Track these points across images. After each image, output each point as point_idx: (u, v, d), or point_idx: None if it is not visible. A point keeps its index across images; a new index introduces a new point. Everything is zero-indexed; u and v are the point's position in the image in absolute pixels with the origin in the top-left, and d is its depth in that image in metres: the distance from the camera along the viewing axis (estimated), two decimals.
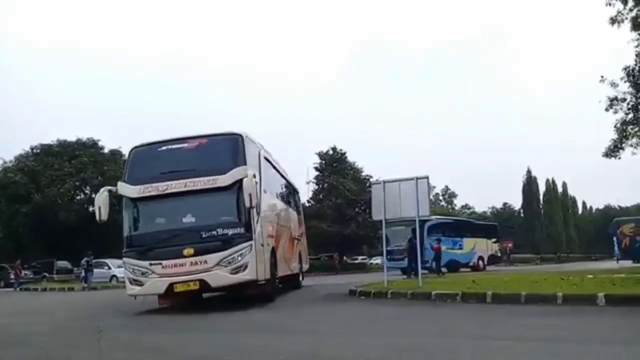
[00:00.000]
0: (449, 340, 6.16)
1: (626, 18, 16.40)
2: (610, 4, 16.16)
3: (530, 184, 75.88)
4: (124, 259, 10.91)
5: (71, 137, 46.02)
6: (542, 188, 76.70)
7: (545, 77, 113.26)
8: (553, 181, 77.02)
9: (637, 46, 17.10)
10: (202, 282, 10.25)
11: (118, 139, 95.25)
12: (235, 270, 10.30)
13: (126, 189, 11.08)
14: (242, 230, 10.55)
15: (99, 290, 24.57)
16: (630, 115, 18.14)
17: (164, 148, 11.27)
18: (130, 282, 10.75)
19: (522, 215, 78.17)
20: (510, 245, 52.89)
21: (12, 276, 29.99)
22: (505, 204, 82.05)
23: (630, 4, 16.19)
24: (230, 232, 10.50)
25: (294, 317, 9.83)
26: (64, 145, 45.42)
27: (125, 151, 47.46)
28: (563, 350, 5.29)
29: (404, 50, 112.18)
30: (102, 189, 11.25)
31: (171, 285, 10.27)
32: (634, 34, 16.83)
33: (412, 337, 6.54)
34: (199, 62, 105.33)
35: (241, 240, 10.45)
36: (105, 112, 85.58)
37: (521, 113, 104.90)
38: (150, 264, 10.39)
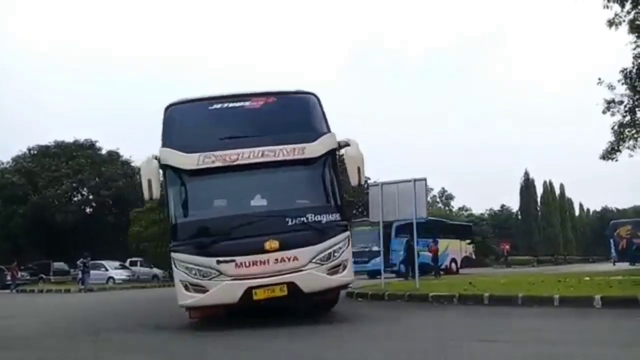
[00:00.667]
0: (447, 343, 6.16)
1: (623, 20, 16.43)
2: (607, 7, 16.19)
3: (527, 185, 75.97)
4: (174, 255, 7.83)
5: (69, 138, 46.08)
6: (539, 190, 76.90)
7: (544, 79, 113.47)
8: (550, 183, 77.17)
9: (634, 49, 17.16)
10: (292, 286, 7.64)
11: (116, 139, 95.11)
12: (333, 270, 7.91)
13: (178, 158, 8.00)
14: (337, 216, 8.17)
15: (95, 292, 24.51)
16: (628, 118, 18.18)
17: (217, 106, 8.63)
18: (186, 288, 7.68)
19: (519, 217, 78.29)
20: (507, 247, 52.92)
21: (8, 278, 29.87)
22: (502, 205, 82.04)
23: (628, 6, 16.23)
24: (324, 218, 8.03)
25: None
26: (61, 146, 45.46)
27: (124, 152, 48.03)
28: (561, 352, 5.31)
29: (404, 50, 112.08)
30: (148, 157, 8.15)
31: (249, 290, 7.54)
32: (631, 37, 16.88)
33: (411, 341, 6.53)
34: (199, 62, 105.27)
35: (338, 231, 8.08)
36: (103, 113, 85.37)
37: (520, 114, 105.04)
38: (218, 262, 7.54)
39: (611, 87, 17.83)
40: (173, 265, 7.88)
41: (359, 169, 8.27)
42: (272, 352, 6.12)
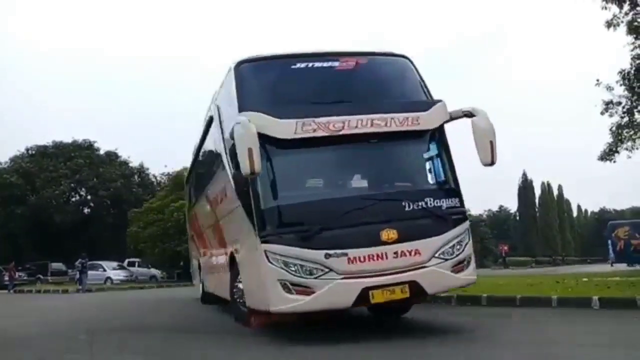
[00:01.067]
0: (444, 344, 6.15)
1: (622, 22, 16.50)
2: (605, 8, 16.24)
3: (526, 187, 76.07)
4: (267, 246, 6.15)
5: (67, 139, 46.11)
6: (537, 191, 77.04)
7: (544, 79, 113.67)
8: (549, 184, 77.26)
9: (632, 50, 17.21)
10: (414, 287, 6.23)
11: (114, 140, 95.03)
12: (458, 267, 6.52)
13: (270, 125, 6.33)
14: (456, 201, 6.81)
15: (93, 292, 24.48)
16: (626, 119, 18.22)
17: (301, 66, 7.18)
18: (286, 289, 6.04)
19: (517, 218, 78.40)
20: (506, 248, 52.97)
21: (6, 278, 29.86)
22: (501, 206, 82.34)
23: (626, 8, 16.28)
24: (444, 204, 6.64)
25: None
26: (59, 147, 45.52)
27: (122, 153, 48.06)
28: (560, 353, 5.31)
29: (404, 51, 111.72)
30: (241, 121, 6.18)
31: (365, 291, 6.07)
32: (630, 38, 16.94)
33: (407, 341, 6.53)
34: (198, 62, 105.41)
35: (459, 219, 6.72)
36: (102, 113, 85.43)
37: (519, 114, 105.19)
38: (327, 256, 6.04)
39: (609, 88, 17.88)
40: (264, 260, 6.13)
41: (491, 143, 6.78)
42: None
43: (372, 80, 7.47)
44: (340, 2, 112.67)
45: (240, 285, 7.67)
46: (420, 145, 7.05)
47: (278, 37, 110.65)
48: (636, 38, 16.83)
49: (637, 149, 18.57)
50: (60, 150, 45.28)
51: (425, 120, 6.76)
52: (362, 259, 6.08)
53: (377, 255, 6.12)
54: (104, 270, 32.54)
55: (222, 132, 7.99)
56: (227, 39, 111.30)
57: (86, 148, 46.08)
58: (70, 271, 33.81)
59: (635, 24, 16.41)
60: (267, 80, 7.23)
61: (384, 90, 7.45)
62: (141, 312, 12.30)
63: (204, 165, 11.12)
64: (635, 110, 18.05)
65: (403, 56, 7.66)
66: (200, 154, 11.81)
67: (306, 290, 6.01)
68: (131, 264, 36.67)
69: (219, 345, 6.88)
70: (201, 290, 13.12)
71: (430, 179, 7.06)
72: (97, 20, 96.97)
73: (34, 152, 45.71)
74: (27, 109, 79.35)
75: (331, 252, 6.04)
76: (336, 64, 7.30)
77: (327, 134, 6.39)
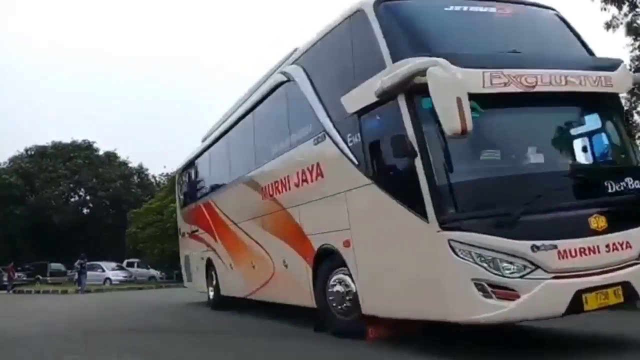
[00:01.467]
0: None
1: (621, 23, 16.51)
2: (605, 9, 16.27)
3: None
4: (453, 234, 4.74)
5: (66, 139, 46.14)
6: None
7: None
8: None
9: (631, 51, 17.23)
10: (627, 289, 4.95)
11: (113, 140, 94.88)
12: None
13: (454, 72, 4.73)
14: None
15: (92, 293, 24.47)
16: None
17: (456, 9, 5.89)
18: (484, 291, 4.62)
19: None
20: None
21: (5, 278, 29.86)
22: None
23: (625, 9, 16.31)
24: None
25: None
26: (58, 147, 45.54)
27: (121, 153, 47.97)
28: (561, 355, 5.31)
29: None
30: (436, 62, 4.74)
31: (579, 294, 4.74)
32: (629, 39, 16.97)
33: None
34: (197, 62, 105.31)
35: None
36: (101, 113, 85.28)
37: None
38: (535, 249, 4.68)
39: None
40: (449, 253, 4.73)
41: None
42: None
43: (538, 31, 6.22)
44: (339, 2, 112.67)
45: (339, 288, 6.39)
46: (609, 111, 5.80)
47: (278, 37, 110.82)
48: (635, 39, 16.87)
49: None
50: (59, 151, 45.28)
51: (617, 82, 5.58)
52: (573, 253, 4.79)
53: (589, 249, 4.85)
54: (103, 271, 32.50)
55: (319, 96, 6.91)
56: (227, 39, 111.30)
57: (85, 148, 46.10)
58: (69, 272, 33.81)
59: (635, 25, 16.44)
60: (422, 23, 5.84)
61: (554, 43, 6.21)
62: (140, 313, 12.30)
63: (251, 143, 9.42)
64: (634, 111, 18.09)
65: (553, 9, 6.58)
66: (238, 133, 10.16)
67: (509, 294, 4.62)
68: (130, 265, 36.62)
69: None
70: (211, 294, 11.54)
71: (622, 154, 5.83)
72: (97, 20, 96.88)
73: (33, 152, 45.72)
74: (26, 109, 79.30)
75: (539, 243, 4.69)
76: (493, 9, 6.05)
77: (520, 90, 5.05)
